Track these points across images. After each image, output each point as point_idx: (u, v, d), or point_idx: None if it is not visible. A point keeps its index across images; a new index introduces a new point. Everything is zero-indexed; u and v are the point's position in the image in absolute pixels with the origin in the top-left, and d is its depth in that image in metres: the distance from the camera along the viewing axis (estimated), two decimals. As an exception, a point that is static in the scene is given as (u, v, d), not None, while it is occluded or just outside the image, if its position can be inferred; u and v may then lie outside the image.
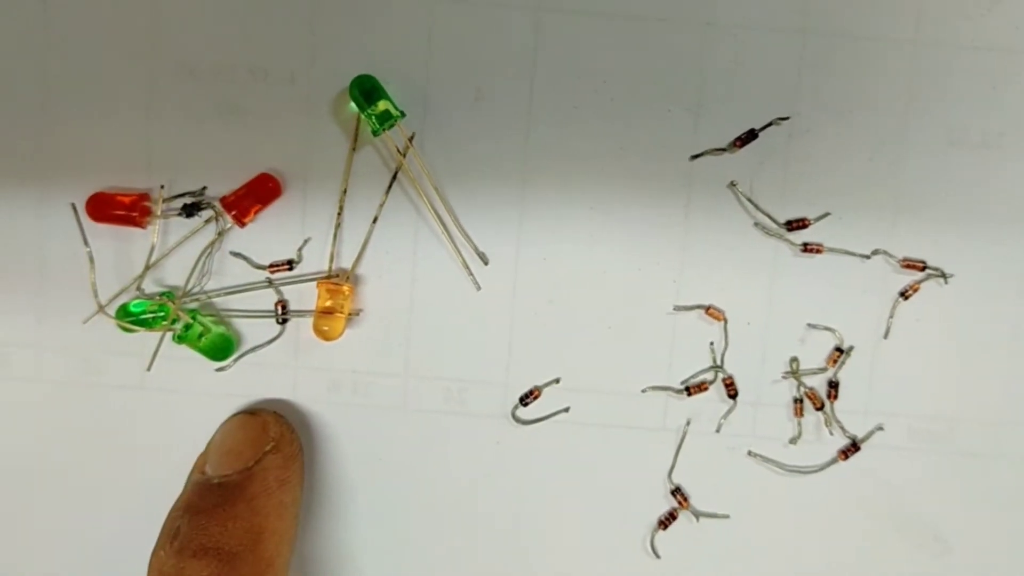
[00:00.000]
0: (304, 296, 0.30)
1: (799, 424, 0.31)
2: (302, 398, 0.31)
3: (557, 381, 0.31)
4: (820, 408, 0.31)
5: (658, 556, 0.31)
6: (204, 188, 0.30)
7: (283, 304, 0.30)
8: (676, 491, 0.31)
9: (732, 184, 0.30)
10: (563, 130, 0.29)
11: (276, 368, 0.30)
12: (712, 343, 0.30)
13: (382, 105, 0.28)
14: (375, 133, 0.28)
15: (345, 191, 0.30)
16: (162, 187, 0.29)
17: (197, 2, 0.29)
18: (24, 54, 0.29)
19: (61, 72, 0.29)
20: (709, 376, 0.31)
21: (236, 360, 0.30)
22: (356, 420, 0.31)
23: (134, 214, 0.29)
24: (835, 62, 0.29)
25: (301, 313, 0.30)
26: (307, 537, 0.31)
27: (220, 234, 0.30)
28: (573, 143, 0.29)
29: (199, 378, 0.30)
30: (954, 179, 0.30)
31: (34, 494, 0.31)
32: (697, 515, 0.31)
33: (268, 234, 0.30)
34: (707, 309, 0.30)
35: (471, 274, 0.30)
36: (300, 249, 0.30)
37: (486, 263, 0.30)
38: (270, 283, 0.30)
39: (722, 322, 0.30)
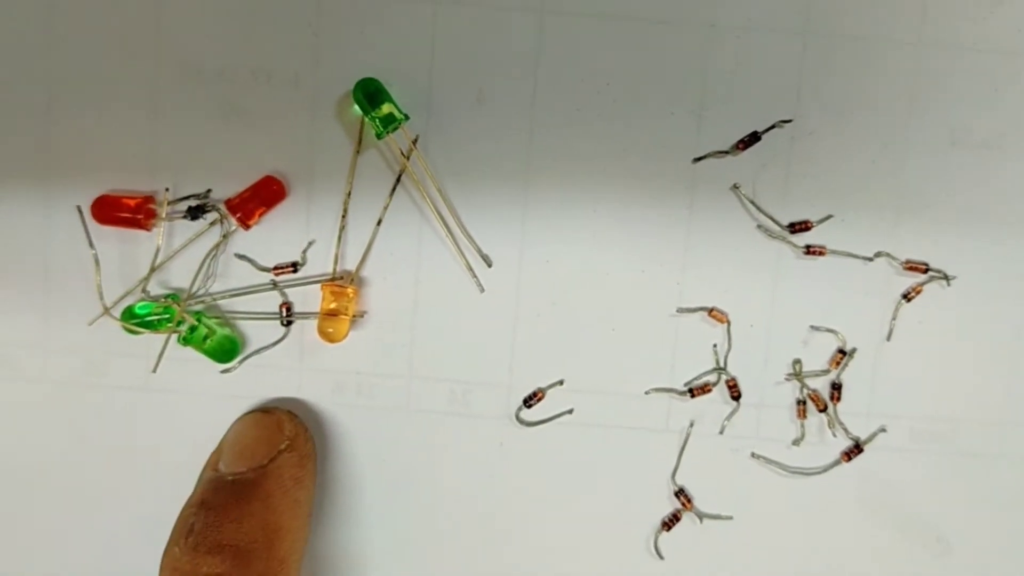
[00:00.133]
0: (308, 298, 0.30)
1: (802, 426, 0.31)
2: (307, 399, 0.31)
3: (561, 383, 0.31)
4: (823, 410, 0.31)
5: (662, 557, 0.31)
6: (209, 191, 0.30)
7: (288, 306, 0.30)
8: (679, 492, 0.31)
9: (735, 186, 0.30)
10: (566, 132, 0.30)
11: (281, 370, 0.31)
12: (715, 345, 0.31)
13: (386, 108, 0.28)
14: (379, 136, 0.29)
15: (349, 193, 0.30)
16: (167, 190, 0.30)
17: (201, 5, 0.29)
18: (29, 57, 0.29)
19: (65, 74, 0.29)
20: (712, 378, 0.31)
21: (241, 362, 0.30)
22: (360, 421, 0.31)
23: (139, 217, 0.29)
24: (837, 64, 0.29)
25: (305, 315, 0.30)
26: (311, 537, 0.31)
27: (225, 236, 0.30)
28: (576, 145, 0.30)
29: (204, 380, 0.31)
30: (956, 181, 0.30)
31: (38, 494, 0.31)
32: (701, 516, 0.31)
33: (272, 236, 0.30)
34: (710, 311, 0.30)
35: (475, 276, 0.30)
36: (304, 251, 0.30)
37: (490, 265, 0.30)
38: (275, 285, 0.30)
39: (725, 324, 0.30)
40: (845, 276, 0.30)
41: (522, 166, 0.30)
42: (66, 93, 0.29)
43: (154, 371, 0.30)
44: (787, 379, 0.31)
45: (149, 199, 0.30)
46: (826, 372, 0.31)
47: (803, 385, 0.31)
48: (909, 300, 0.30)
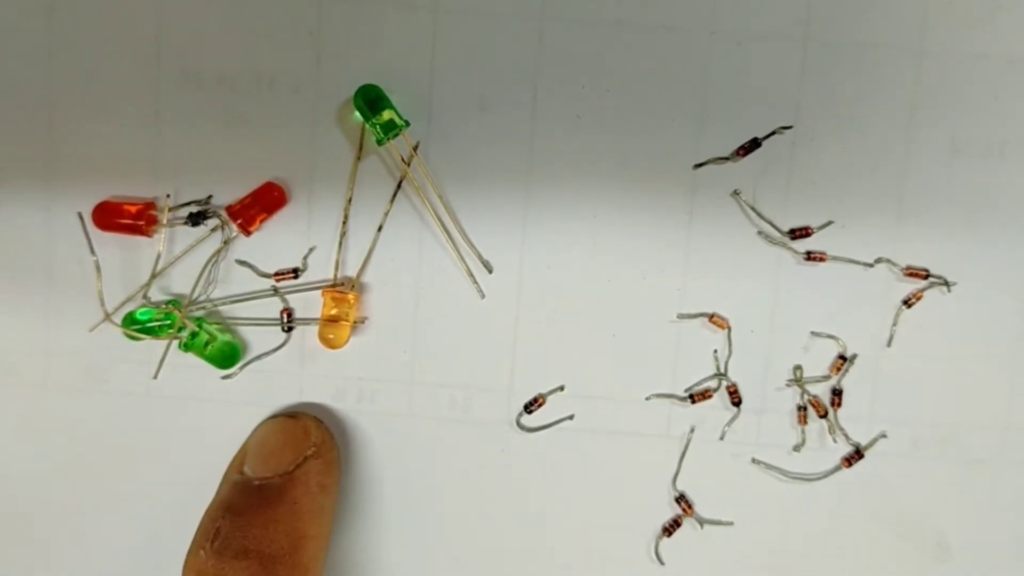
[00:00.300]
0: (309, 304, 0.30)
1: (803, 432, 0.31)
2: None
3: (561, 388, 0.31)
4: (824, 416, 0.31)
5: (662, 563, 0.31)
6: (210, 197, 0.30)
7: (289, 312, 0.30)
8: (680, 498, 0.31)
9: (735, 193, 0.30)
10: (567, 139, 0.30)
11: (282, 376, 0.31)
12: (716, 351, 0.31)
13: (387, 114, 0.28)
14: (380, 142, 0.29)
15: (350, 200, 0.30)
16: (168, 196, 0.30)
17: (202, 12, 0.29)
18: (30, 64, 0.29)
19: (67, 81, 0.29)
20: (713, 384, 0.31)
21: (242, 368, 0.30)
22: (361, 427, 0.31)
23: (140, 223, 0.29)
24: (838, 71, 0.29)
25: (306, 321, 0.30)
26: (312, 544, 0.31)
27: (226, 243, 0.30)
28: (577, 152, 0.30)
29: (205, 386, 0.31)
30: (957, 188, 0.30)
31: (40, 500, 0.31)
32: (701, 522, 0.31)
33: (273, 243, 0.30)
34: (711, 317, 0.30)
35: (475, 282, 0.30)
36: (305, 257, 0.30)
37: (490, 271, 0.30)
38: (275, 291, 0.30)
39: (726, 330, 0.30)
40: (846, 282, 0.30)
41: (523, 172, 0.30)
42: (67, 100, 0.29)
43: (155, 377, 0.30)
44: (788, 385, 0.31)
45: (150, 205, 0.30)
46: (827, 378, 0.31)
47: (804, 391, 0.31)
48: (910, 306, 0.30)
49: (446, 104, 0.29)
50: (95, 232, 0.29)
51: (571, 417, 0.31)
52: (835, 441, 0.31)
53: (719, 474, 0.31)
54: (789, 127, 0.29)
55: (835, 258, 0.30)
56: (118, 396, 0.31)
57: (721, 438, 0.31)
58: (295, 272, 0.30)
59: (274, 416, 0.30)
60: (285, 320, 0.30)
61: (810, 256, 0.30)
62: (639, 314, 0.30)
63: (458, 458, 0.31)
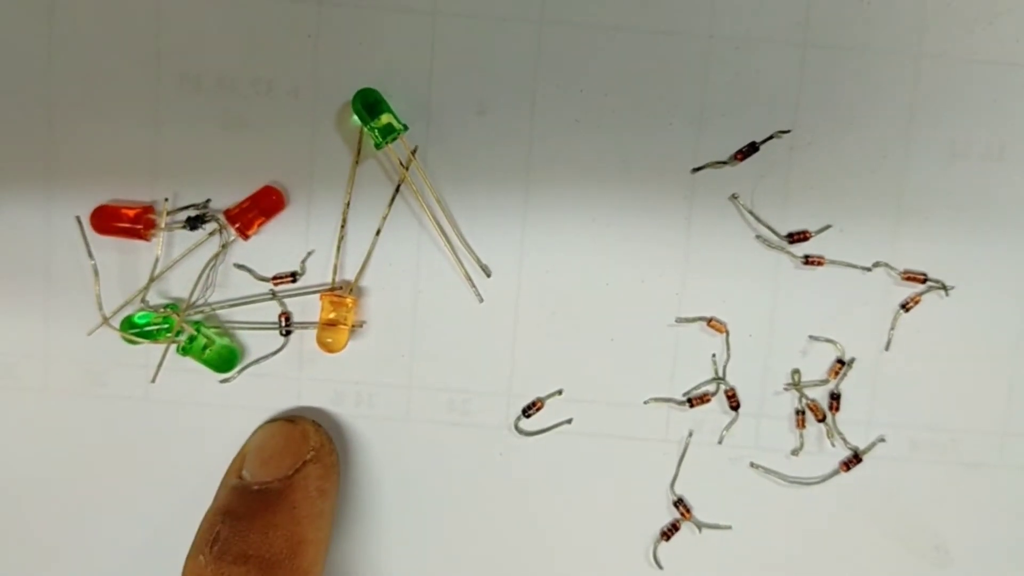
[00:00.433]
0: (308, 308, 0.30)
1: (801, 436, 0.31)
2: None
3: (560, 392, 0.31)
4: (822, 420, 0.31)
5: (661, 567, 0.31)
6: (208, 201, 0.30)
7: (287, 316, 0.30)
8: (678, 502, 0.31)
9: (734, 196, 0.30)
10: (565, 142, 0.30)
11: (280, 380, 0.31)
12: (714, 355, 0.31)
13: (385, 118, 0.28)
14: (378, 146, 0.29)
15: (348, 204, 0.30)
16: (166, 200, 0.30)
17: (202, 15, 0.29)
18: (29, 67, 0.29)
19: (66, 84, 0.29)
20: (711, 388, 0.31)
21: (240, 372, 0.30)
22: (360, 431, 0.31)
23: (138, 227, 0.29)
24: (836, 75, 0.29)
25: (305, 325, 0.30)
26: (311, 547, 0.31)
27: (224, 246, 0.30)
28: (575, 155, 0.30)
29: (203, 390, 0.31)
30: (956, 191, 0.30)
31: (38, 504, 0.31)
32: (699, 526, 0.31)
33: (272, 246, 0.30)
34: (709, 321, 0.30)
35: (474, 286, 0.30)
36: (303, 261, 0.30)
37: (489, 275, 0.30)
38: (274, 295, 0.30)
39: (724, 334, 0.30)
40: (844, 286, 0.30)
41: (521, 176, 0.30)
42: (67, 103, 0.29)
43: (153, 381, 0.30)
44: (786, 389, 0.31)
45: (148, 209, 0.30)
46: (825, 382, 0.31)
47: (802, 395, 0.31)
48: (908, 310, 0.30)
49: (445, 108, 0.29)
50: (93, 236, 0.29)
51: (569, 421, 0.31)
52: (833, 445, 0.31)
53: (717, 478, 0.31)
54: (787, 131, 0.29)
55: (833, 262, 0.30)
56: (116, 400, 0.31)
57: (719, 442, 0.31)
58: (293, 276, 0.30)
59: (272, 420, 0.30)
60: (283, 324, 0.30)
61: (808, 260, 0.30)
62: (637, 318, 0.30)
63: (457, 462, 0.31)
